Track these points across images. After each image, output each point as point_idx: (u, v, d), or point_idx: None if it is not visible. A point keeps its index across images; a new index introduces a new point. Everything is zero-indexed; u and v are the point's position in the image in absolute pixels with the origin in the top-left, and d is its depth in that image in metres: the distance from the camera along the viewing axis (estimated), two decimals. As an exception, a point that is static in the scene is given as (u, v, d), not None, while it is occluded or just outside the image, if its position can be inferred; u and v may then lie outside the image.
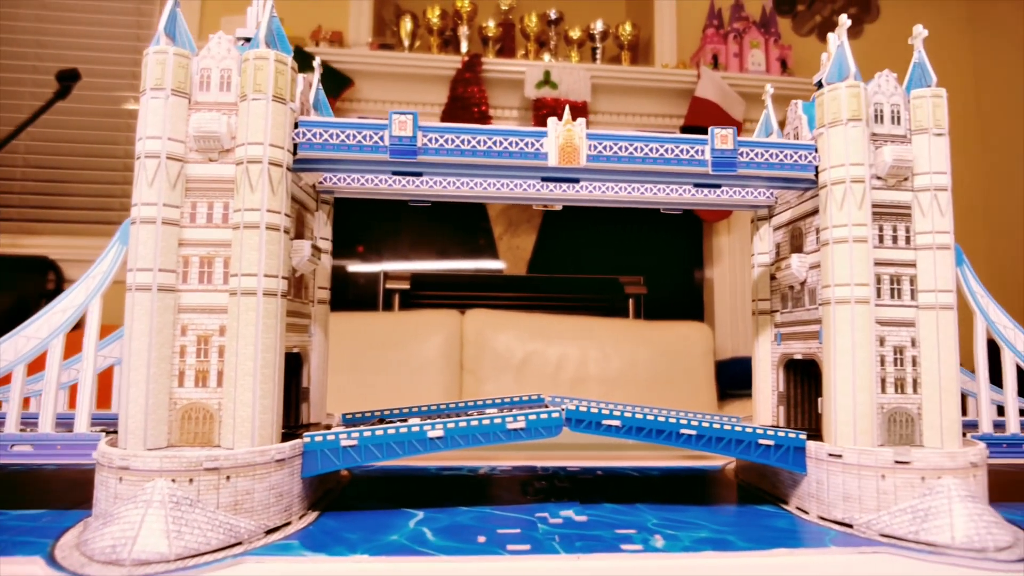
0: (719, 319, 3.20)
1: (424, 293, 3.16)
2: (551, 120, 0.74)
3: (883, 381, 0.75)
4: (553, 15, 3.21)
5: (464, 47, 3.14)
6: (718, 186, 0.83)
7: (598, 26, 3.24)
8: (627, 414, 0.73)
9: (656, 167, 0.76)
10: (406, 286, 3.16)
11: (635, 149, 0.75)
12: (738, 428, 0.74)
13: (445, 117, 2.83)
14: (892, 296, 0.76)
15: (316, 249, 0.79)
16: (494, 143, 0.73)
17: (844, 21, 0.81)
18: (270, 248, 0.68)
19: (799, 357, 0.84)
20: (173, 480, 0.60)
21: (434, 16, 3.09)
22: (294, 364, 0.83)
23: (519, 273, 3.34)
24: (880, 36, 3.37)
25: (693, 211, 3.06)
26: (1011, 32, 3.21)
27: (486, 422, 0.71)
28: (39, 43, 2.67)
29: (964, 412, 0.84)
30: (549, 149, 0.74)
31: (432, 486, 0.87)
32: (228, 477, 0.62)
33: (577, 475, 0.94)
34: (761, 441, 0.74)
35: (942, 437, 0.73)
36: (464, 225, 3.34)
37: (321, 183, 0.84)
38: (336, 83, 2.95)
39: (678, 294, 3.34)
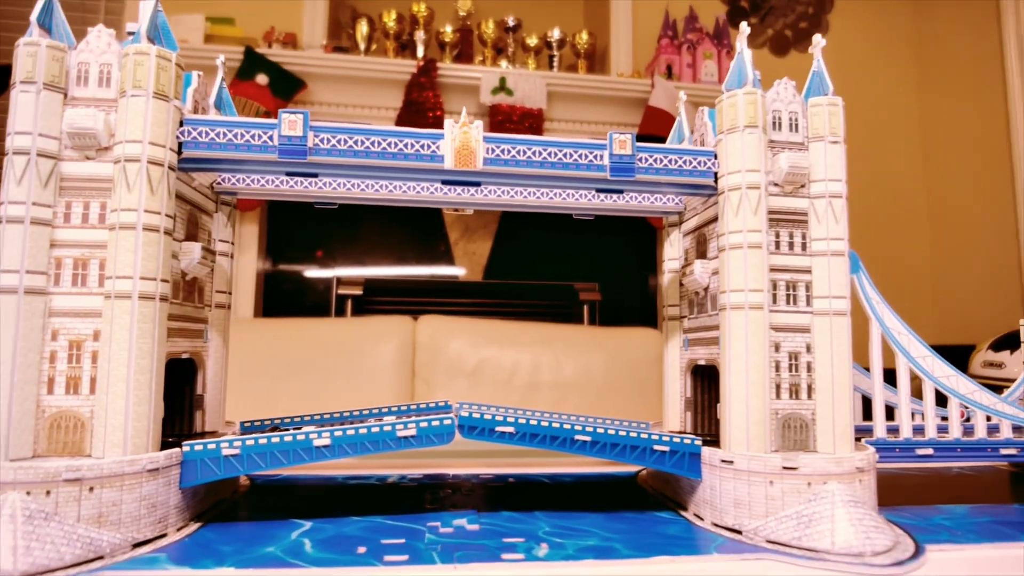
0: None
1: (377, 299, 3.12)
2: (447, 122, 0.73)
3: (778, 387, 0.75)
4: (511, 22, 3.22)
5: (420, 52, 3.12)
6: (620, 191, 0.82)
7: (555, 34, 3.25)
8: (521, 420, 0.72)
9: (555, 171, 0.76)
10: (359, 292, 3.12)
11: (533, 153, 0.75)
12: (633, 434, 0.74)
13: (400, 122, 2.82)
14: (788, 302, 0.76)
15: (209, 252, 0.76)
16: (389, 144, 0.72)
17: (744, 28, 0.82)
18: (147, 250, 0.65)
19: (703, 363, 0.84)
20: (28, 492, 0.57)
21: (390, 20, 3.07)
22: (187, 370, 0.80)
23: (476, 279, 3.33)
24: (828, 50, 3.46)
25: (646, 219, 3.10)
26: (954, 48, 3.32)
27: (375, 430, 0.69)
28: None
29: (871, 417, 0.85)
30: (445, 151, 0.73)
31: (332, 495, 0.85)
32: (92, 488, 0.60)
33: (489, 482, 0.92)
34: (656, 447, 0.74)
35: (834, 442, 0.73)
36: (420, 231, 3.32)
37: (219, 184, 0.82)
38: (288, 85, 2.91)
39: (632, 300, 3.37)
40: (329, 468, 0.96)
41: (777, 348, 0.76)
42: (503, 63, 3.21)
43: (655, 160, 0.77)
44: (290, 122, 0.70)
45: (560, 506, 0.80)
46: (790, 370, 0.76)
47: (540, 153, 0.75)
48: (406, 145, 0.72)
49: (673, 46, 3.26)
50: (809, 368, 0.76)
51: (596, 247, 3.29)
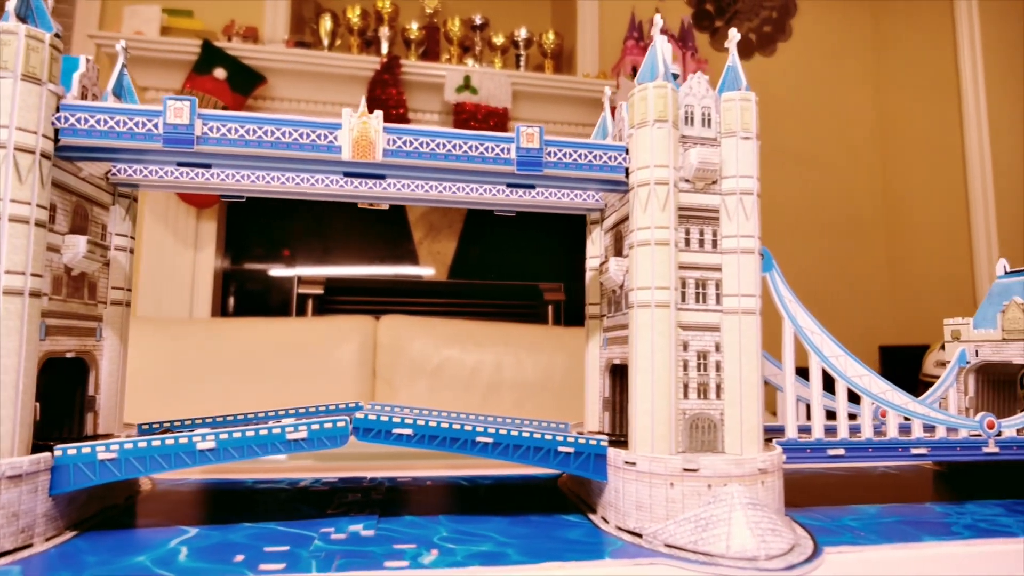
0: (637, 326, 3.21)
1: (339, 299, 3.08)
2: (345, 111, 0.71)
3: (686, 386, 0.74)
4: (478, 20, 3.19)
5: (385, 48, 3.09)
6: (531, 186, 0.80)
7: (522, 33, 3.24)
8: (420, 422, 0.70)
9: (460, 164, 0.73)
10: (320, 291, 3.08)
11: (437, 145, 0.72)
12: (537, 435, 0.72)
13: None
14: (698, 300, 0.75)
15: (98, 246, 0.73)
16: (283, 134, 0.69)
17: (658, 21, 0.80)
18: (15, 242, 0.62)
19: (619, 362, 0.82)
20: None
21: (354, 16, 3.03)
22: (78, 370, 0.76)
23: (440, 279, 3.30)
24: (791, 54, 3.50)
25: None
26: (911, 51, 3.37)
27: (264, 432, 0.66)
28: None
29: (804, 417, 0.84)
30: (343, 142, 0.70)
31: (232, 500, 0.82)
32: (-57, 496, 0.56)
33: (404, 485, 0.90)
34: (560, 448, 0.72)
35: (741, 443, 0.72)
36: (384, 230, 3.28)
37: (113, 175, 0.78)
38: (247, 80, 2.86)
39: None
40: (244, 471, 0.93)
41: (686, 347, 0.74)
42: (469, 62, 3.19)
43: (564, 154, 0.76)
44: (176, 109, 0.67)
45: (469, 510, 0.77)
46: (699, 369, 0.74)
47: (444, 145, 0.73)
48: (301, 135, 0.70)
49: (639, 48, 3.26)
50: (718, 367, 0.74)
51: (562, 247, 3.28)
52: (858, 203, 3.46)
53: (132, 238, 0.83)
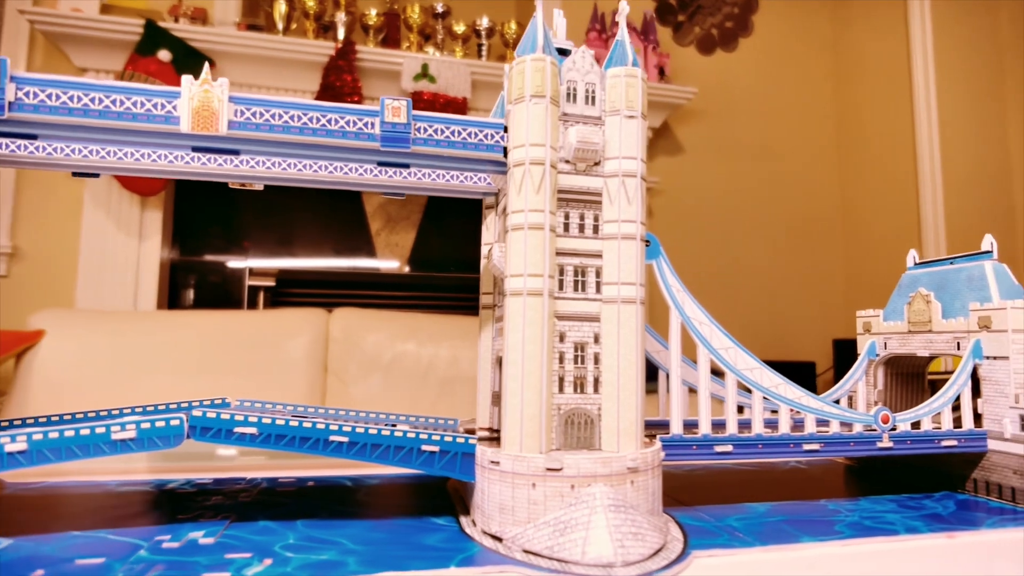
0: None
1: (292, 291, 3.01)
2: (186, 78, 0.65)
3: (561, 380, 0.69)
4: (440, 8, 3.12)
5: (341, 34, 3.00)
6: (404, 165, 0.75)
7: (484, 22, 3.17)
8: (265, 420, 0.64)
9: (319, 139, 0.68)
10: (271, 283, 3.00)
11: (291, 117, 0.67)
12: (398, 434, 0.67)
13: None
14: (576, 289, 0.70)
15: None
16: (112, 102, 0.63)
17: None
18: None
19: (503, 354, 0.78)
20: None
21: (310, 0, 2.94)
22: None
23: (398, 271, 3.23)
24: (752, 50, 3.47)
25: None
26: (868, 50, 3.37)
27: (85, 432, 0.60)
28: None
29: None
30: (182, 113, 0.64)
31: (79, 505, 0.76)
32: None
33: (282, 487, 0.84)
34: (424, 447, 0.67)
35: (618, 439, 0.68)
36: (339, 220, 3.21)
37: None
38: (193, 63, 2.75)
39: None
40: (102, 473, 0.86)
41: (562, 338, 0.70)
42: (430, 50, 3.12)
43: (436, 131, 0.70)
44: (-15, 73, 0.60)
45: (335, 513, 0.72)
46: (576, 362, 0.70)
47: (299, 118, 0.67)
48: (135, 104, 0.63)
49: (600, 40, 3.22)
50: (597, 360, 0.70)
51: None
52: (816, 198, 3.47)
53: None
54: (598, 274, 0.71)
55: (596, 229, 0.71)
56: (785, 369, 1.00)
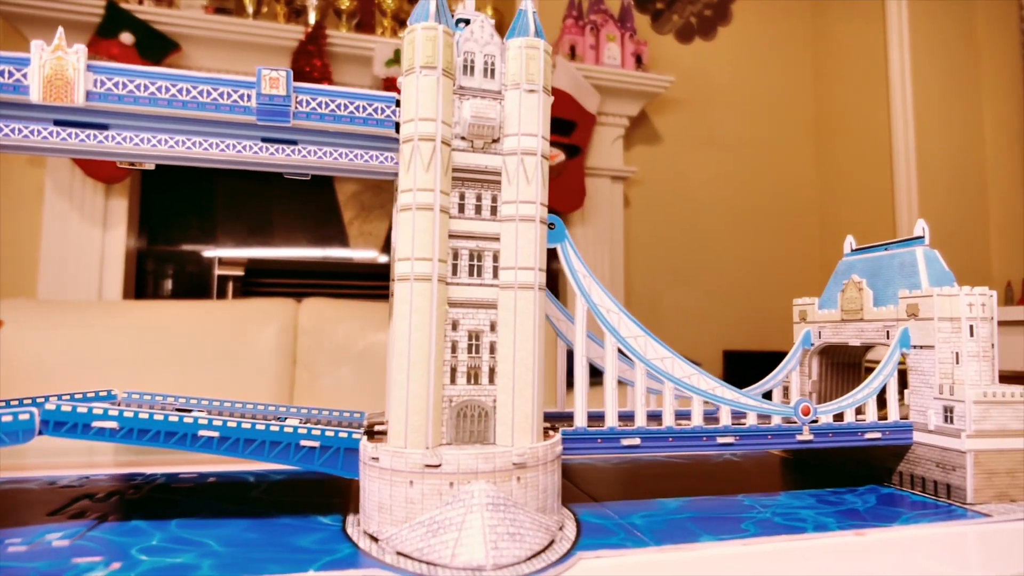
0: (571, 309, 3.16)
1: (263, 281, 2.95)
2: (35, 43, 0.60)
3: (453, 370, 0.65)
4: (415, -8, 3.04)
5: (312, 18, 2.93)
6: (292, 142, 0.70)
7: (459, 9, 3.10)
8: (128, 414, 0.60)
9: (189, 112, 0.63)
10: (240, 273, 2.95)
11: (158, 89, 0.62)
12: (274, 428, 0.63)
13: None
14: (472, 274, 0.66)
15: None
16: (-45, 71, 0.58)
17: None
18: None
19: (402, 344, 0.74)
20: None
21: (280, -18, 2.87)
22: None
23: (372, 260, 3.18)
24: (731, 40, 3.42)
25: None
26: (846, 42, 3.34)
27: (-75, 424, 0.56)
28: None
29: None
30: (32, 82, 0.59)
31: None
32: None
33: (179, 483, 0.80)
34: (304, 442, 0.63)
35: (513, 433, 0.64)
36: (311, 209, 3.15)
37: None
38: (158, 46, 2.68)
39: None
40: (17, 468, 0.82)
41: (455, 326, 0.66)
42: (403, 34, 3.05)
43: (319, 104, 0.66)
44: None
45: (216, 512, 0.68)
46: (470, 351, 0.66)
47: (167, 89, 0.62)
48: (-17, 74, 0.59)
49: (578, 27, 3.17)
50: (492, 349, 0.66)
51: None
52: (793, 188, 3.44)
53: None
54: (495, 258, 0.67)
55: (494, 211, 0.67)
56: (762, 359, 0.97)
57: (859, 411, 0.81)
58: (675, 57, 3.27)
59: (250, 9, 2.88)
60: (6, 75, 0.59)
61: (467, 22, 0.71)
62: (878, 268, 0.90)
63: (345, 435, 0.64)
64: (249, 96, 0.64)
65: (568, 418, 0.74)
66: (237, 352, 2.32)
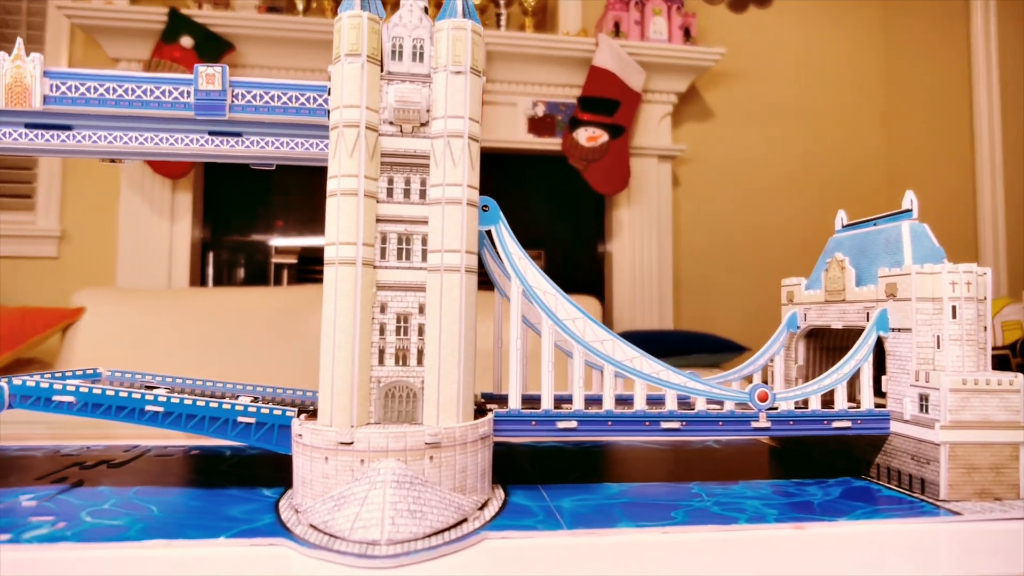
0: (618, 292, 3.12)
1: (315, 268, 3.08)
2: (1, 55, 0.65)
3: (382, 352, 0.67)
4: (458, -21, 3.06)
5: (354, 10, 3.00)
6: (236, 134, 0.73)
7: (502, -8, 3.10)
8: (83, 389, 0.65)
9: (135, 111, 0.67)
10: (294, 260, 3.09)
11: (107, 90, 0.66)
12: (213, 404, 0.66)
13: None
14: (400, 257, 0.67)
15: None
16: (-71, 82, 0.64)
17: None
18: None
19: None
20: None
21: (328, -22, 2.96)
22: None
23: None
24: (789, 5, 3.23)
25: (590, 184, 2.97)
26: (921, 6, 3.07)
27: (-93, 396, 0.63)
28: None
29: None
30: (-6, 89, 0.65)
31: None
32: None
33: (163, 455, 0.86)
34: (240, 419, 0.66)
35: (438, 414, 0.65)
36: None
37: None
38: (214, 47, 2.83)
39: (581, 268, 3.26)
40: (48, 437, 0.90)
41: (384, 309, 0.67)
42: None
43: (254, 96, 0.69)
44: None
45: (179, 481, 0.73)
46: (398, 333, 0.67)
47: (115, 90, 0.67)
48: (-51, 82, 0.65)
49: (622, 2, 3.09)
50: (421, 331, 0.67)
51: (545, 214, 3.19)
52: (860, 161, 3.23)
53: None
54: (424, 242, 0.68)
55: (423, 194, 0.68)
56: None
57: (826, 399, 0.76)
58: (726, 28, 3.12)
59: (300, 6, 2.98)
60: (-30, 82, 0.65)
61: (426, 9, 0.72)
62: (865, 245, 0.84)
63: (279, 413, 0.67)
64: (188, 92, 0.67)
65: (536, 400, 0.73)
66: (291, 335, 2.44)
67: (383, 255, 0.67)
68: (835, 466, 0.82)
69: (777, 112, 3.23)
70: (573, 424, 0.71)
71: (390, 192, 0.68)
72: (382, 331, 0.67)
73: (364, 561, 0.52)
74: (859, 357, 0.76)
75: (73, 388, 0.65)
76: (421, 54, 0.68)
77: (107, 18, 2.69)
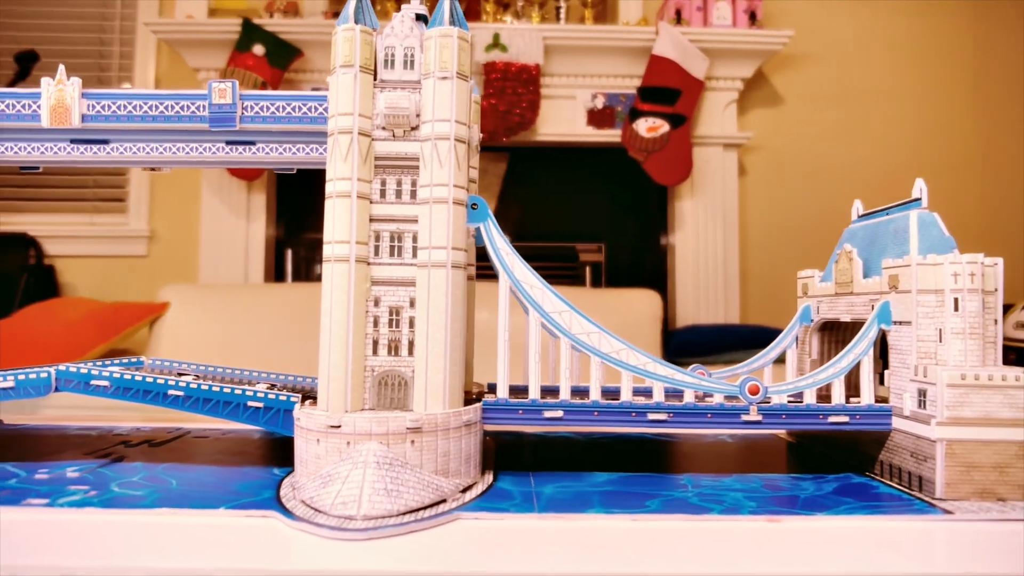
0: (681, 285, 3.07)
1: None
2: (45, 80, 0.74)
3: (375, 343, 0.71)
4: (516, -25, 3.10)
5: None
6: (251, 143, 0.79)
7: (560, -15, 3.10)
8: (116, 374, 0.74)
9: (160, 125, 0.75)
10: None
11: (134, 107, 0.74)
12: (227, 390, 0.73)
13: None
14: (392, 254, 0.72)
15: None
16: (-5, 107, 0.75)
17: None
18: None
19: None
20: None
21: (392, -19, 3.06)
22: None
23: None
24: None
25: (651, 175, 2.94)
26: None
27: (-22, 379, 0.74)
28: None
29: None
30: (42, 110, 0.74)
31: (28, 441, 0.91)
32: None
33: (202, 436, 0.95)
34: (250, 403, 0.73)
35: (426, 400, 0.69)
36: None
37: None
38: (284, 54, 2.99)
39: (641, 260, 3.23)
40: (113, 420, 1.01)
41: (377, 302, 0.72)
42: (508, 18, 3.12)
43: (262, 108, 0.75)
44: None
45: (206, 459, 0.81)
46: (390, 325, 0.72)
47: (140, 107, 0.75)
48: (7, 106, 0.75)
49: (688, -8, 3.02)
50: (412, 324, 0.71)
51: (605, 206, 3.18)
52: (947, 142, 3.01)
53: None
54: (415, 239, 0.72)
55: (413, 194, 0.72)
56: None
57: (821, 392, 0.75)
58: (795, 10, 2.99)
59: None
60: (27, 107, 0.74)
61: (424, 19, 0.76)
62: (875, 236, 0.81)
63: (284, 398, 0.73)
64: (203, 107, 0.74)
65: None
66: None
67: (377, 252, 0.72)
68: (845, 462, 0.80)
69: (852, 94, 3.06)
70: (559, 414, 0.73)
71: (383, 193, 0.72)
72: (376, 323, 0.72)
73: (338, 533, 0.57)
74: (858, 351, 0.74)
75: (108, 374, 0.74)
76: (412, 61, 0.72)
77: (187, 31, 2.89)
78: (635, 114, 2.94)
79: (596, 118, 3.09)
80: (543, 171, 3.20)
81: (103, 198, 2.97)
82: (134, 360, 0.92)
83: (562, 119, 3.05)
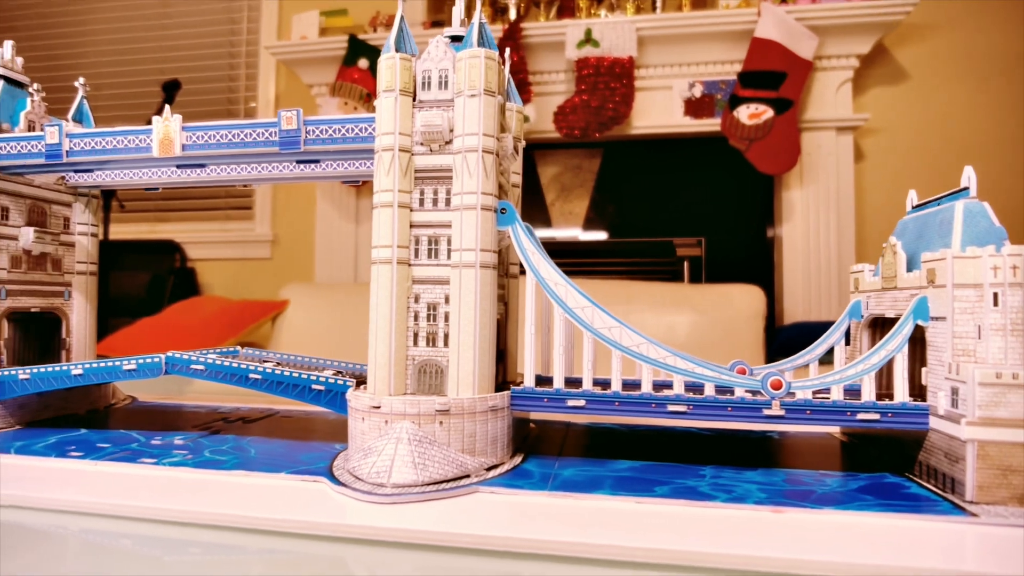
0: (789, 280, 2.95)
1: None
2: (155, 119, 0.90)
3: (415, 335, 0.80)
4: (611, -32, 3.10)
5: (513, 14, 3.17)
6: (316, 161, 0.91)
7: (655, -25, 3.07)
8: (210, 360, 0.88)
9: (241, 150, 0.88)
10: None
11: (221, 136, 0.88)
12: (295, 374, 0.85)
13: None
14: (430, 256, 0.80)
15: (48, 233, 1.04)
16: (118, 142, 0.91)
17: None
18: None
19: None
20: None
21: (484, -14, 3.16)
22: (53, 322, 1.08)
23: (572, 239, 3.36)
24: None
25: (755, 166, 2.83)
26: None
27: (106, 364, 0.91)
28: (141, 59, 3.30)
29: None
30: (153, 143, 0.90)
31: (160, 417, 1.09)
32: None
33: (289, 416, 1.08)
34: (314, 387, 0.84)
35: (458, 387, 0.76)
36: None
37: (67, 180, 1.07)
38: (386, 68, 3.18)
39: (744, 254, 3.12)
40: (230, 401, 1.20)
41: (417, 299, 0.80)
42: (603, 12, 3.13)
43: (321, 131, 0.85)
44: (50, 132, 0.93)
45: (287, 434, 0.94)
46: (429, 320, 0.80)
47: (227, 136, 0.88)
48: (129, 141, 0.91)
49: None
50: (447, 318, 0.79)
51: (705, 199, 3.11)
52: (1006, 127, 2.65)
53: (94, 225, 1.13)
54: (449, 242, 0.79)
55: (448, 202, 0.80)
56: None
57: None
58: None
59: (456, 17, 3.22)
60: (143, 141, 0.90)
61: (456, 38, 0.84)
62: (924, 227, 0.78)
63: (341, 383, 0.83)
64: (274, 133, 0.87)
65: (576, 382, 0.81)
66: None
67: (416, 255, 0.80)
68: (889, 462, 0.78)
69: (987, 65, 2.76)
70: (581, 403, 0.78)
71: (421, 201, 0.80)
72: (416, 318, 0.80)
73: (369, 497, 0.66)
74: (891, 347, 0.72)
75: (203, 360, 0.88)
76: (446, 82, 0.80)
77: (301, 52, 3.16)
78: (736, 101, 2.84)
79: (694, 107, 3.02)
80: (639, 165, 3.17)
81: (233, 207, 3.32)
82: (230, 349, 1.08)
83: (658, 111, 3.01)
